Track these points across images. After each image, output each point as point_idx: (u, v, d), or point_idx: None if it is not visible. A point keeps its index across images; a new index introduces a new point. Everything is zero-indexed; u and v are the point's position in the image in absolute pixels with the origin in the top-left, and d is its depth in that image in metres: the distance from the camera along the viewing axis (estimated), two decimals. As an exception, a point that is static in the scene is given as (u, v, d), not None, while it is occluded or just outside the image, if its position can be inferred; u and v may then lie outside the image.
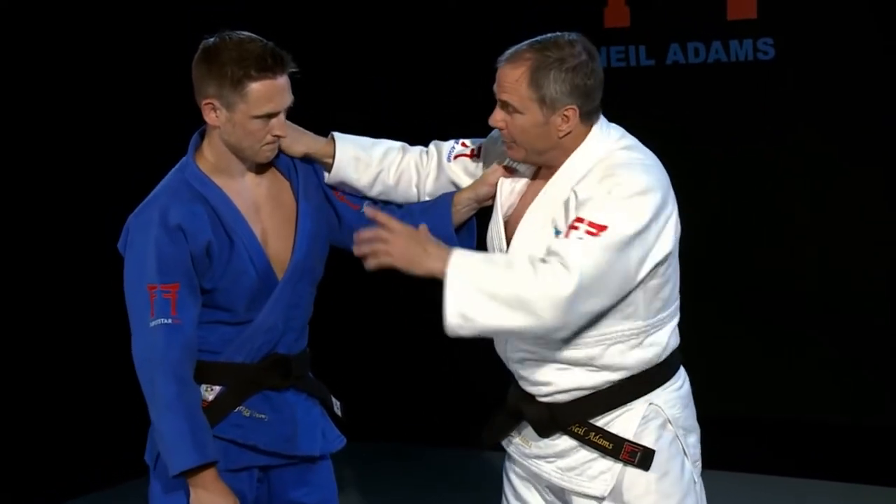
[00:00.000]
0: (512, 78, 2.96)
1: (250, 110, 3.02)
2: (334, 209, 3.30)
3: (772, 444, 5.63)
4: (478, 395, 3.52)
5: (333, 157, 3.26)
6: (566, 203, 2.97)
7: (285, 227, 3.20)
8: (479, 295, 2.83)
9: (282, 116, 3.07)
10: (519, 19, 5.75)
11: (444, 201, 3.27)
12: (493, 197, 3.17)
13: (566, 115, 2.96)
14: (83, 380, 5.74)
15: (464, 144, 3.33)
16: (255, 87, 3.00)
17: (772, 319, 5.57)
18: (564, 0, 5.74)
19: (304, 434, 3.25)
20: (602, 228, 2.85)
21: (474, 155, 3.30)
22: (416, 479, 5.86)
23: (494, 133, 3.26)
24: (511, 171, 3.16)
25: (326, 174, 3.28)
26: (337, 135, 3.30)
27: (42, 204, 5.64)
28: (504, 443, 3.22)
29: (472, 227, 3.31)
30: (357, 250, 2.92)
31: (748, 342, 5.64)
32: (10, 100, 5.51)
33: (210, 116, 3.07)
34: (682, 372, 3.14)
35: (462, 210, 3.25)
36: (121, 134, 5.84)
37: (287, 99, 3.06)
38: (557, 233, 2.97)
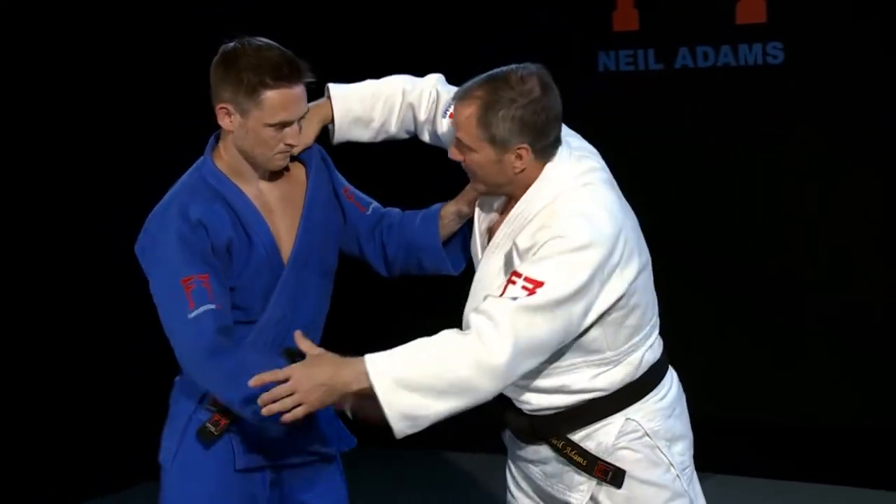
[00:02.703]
0: (462, 116, 2.90)
1: (264, 118, 3.01)
2: (341, 207, 3.29)
3: (772, 448, 5.62)
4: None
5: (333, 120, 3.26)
6: (515, 246, 2.94)
7: (295, 226, 3.19)
8: (413, 395, 2.79)
9: (296, 126, 3.07)
10: (527, 22, 5.75)
11: (431, 214, 3.27)
12: (473, 213, 3.15)
13: (519, 154, 2.89)
14: (89, 382, 5.72)
15: None
16: (270, 94, 2.99)
17: (776, 322, 5.56)
18: (572, 3, 5.73)
19: (317, 433, 3.25)
20: (539, 284, 2.80)
21: None
22: (423, 483, 5.86)
23: None
24: None
25: (332, 136, 3.27)
26: (333, 93, 3.27)
27: (42, 204, 5.61)
28: (502, 434, 3.21)
29: (461, 238, 3.28)
30: (267, 412, 2.83)
31: (749, 343, 5.63)
32: (10, 100, 5.49)
33: (224, 121, 3.06)
34: (666, 381, 3.09)
35: (448, 223, 3.25)
36: (121, 134, 5.81)
37: (302, 108, 3.06)
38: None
